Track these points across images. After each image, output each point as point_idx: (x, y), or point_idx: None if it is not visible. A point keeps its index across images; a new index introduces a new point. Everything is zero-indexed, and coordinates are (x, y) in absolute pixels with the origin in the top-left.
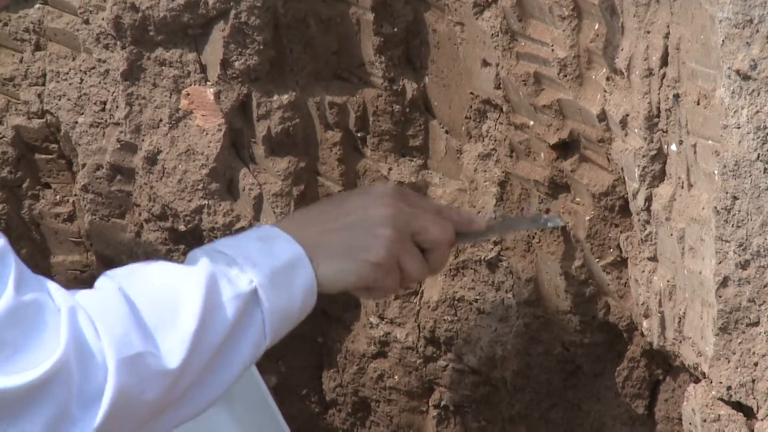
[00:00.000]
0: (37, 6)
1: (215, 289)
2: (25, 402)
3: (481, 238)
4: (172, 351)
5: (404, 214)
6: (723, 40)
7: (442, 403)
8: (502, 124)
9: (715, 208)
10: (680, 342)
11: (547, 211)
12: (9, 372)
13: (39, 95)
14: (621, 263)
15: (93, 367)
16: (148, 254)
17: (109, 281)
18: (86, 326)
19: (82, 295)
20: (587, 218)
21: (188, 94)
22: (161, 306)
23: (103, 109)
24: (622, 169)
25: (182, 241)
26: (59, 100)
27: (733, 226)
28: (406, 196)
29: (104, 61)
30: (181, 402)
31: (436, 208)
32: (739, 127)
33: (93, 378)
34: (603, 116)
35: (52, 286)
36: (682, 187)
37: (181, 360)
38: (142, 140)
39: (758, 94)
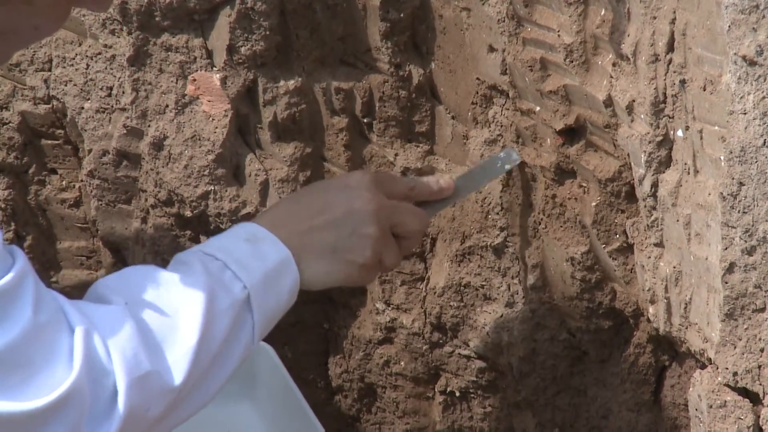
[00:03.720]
0: None
1: (214, 300)
2: (38, 426)
3: (452, 202)
4: (176, 367)
5: (385, 208)
6: (729, 26)
7: (449, 389)
8: (508, 109)
9: (722, 194)
10: (686, 328)
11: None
12: (24, 396)
13: (45, 81)
14: (627, 249)
15: (104, 389)
16: (155, 240)
17: (112, 294)
18: (99, 347)
19: (93, 311)
20: (593, 204)
21: (194, 80)
22: (164, 322)
23: (110, 95)
24: (628, 154)
25: (188, 226)
26: (65, 85)
27: (739, 211)
28: (383, 184)
29: (110, 47)
30: (176, 412)
31: (408, 186)
32: (745, 113)
33: (104, 399)
34: (609, 102)
35: (66, 303)
36: (689, 173)
37: (185, 376)
38: (149, 126)
39: (764, 80)
